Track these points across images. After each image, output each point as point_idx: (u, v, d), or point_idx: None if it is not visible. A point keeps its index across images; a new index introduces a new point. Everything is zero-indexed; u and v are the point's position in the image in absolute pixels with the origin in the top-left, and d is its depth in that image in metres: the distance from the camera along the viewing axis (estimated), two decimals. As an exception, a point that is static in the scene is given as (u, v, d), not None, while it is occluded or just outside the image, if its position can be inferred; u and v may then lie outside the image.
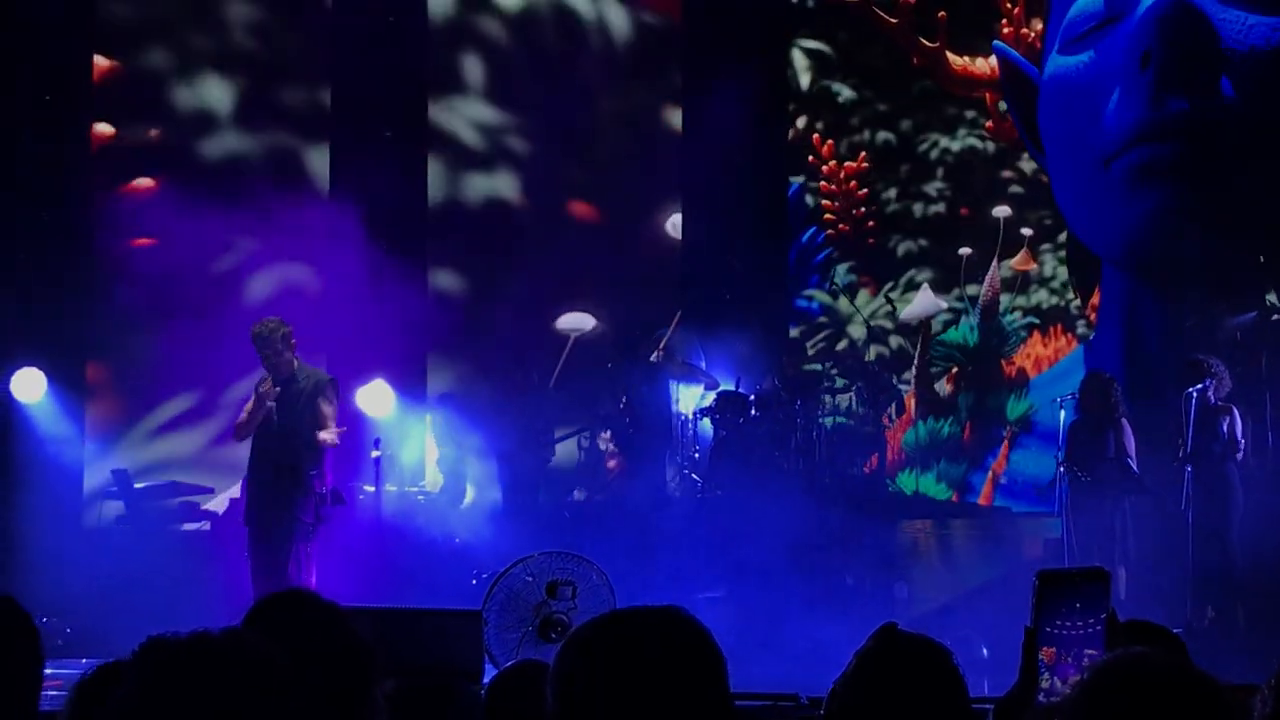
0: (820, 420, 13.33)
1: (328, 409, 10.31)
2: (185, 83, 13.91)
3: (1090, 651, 2.95)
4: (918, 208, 15.29)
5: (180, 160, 13.77)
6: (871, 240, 15.23)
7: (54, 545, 12.04)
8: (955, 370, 14.85)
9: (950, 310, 14.96)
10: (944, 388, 14.87)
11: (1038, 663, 3.00)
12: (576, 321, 14.66)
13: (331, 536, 10.58)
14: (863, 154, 15.41)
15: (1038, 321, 14.87)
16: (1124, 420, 11.70)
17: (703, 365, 13.90)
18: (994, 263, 14.87)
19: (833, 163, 15.43)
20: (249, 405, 10.36)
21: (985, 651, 9.91)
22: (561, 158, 14.91)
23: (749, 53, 15.01)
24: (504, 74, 14.84)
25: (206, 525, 12.81)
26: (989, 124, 15.19)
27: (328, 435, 10.22)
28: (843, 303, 15.03)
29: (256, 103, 14.06)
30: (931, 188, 15.27)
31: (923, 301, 14.89)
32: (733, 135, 14.33)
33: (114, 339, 13.55)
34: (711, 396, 13.33)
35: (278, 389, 10.14)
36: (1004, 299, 14.83)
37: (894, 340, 15.15)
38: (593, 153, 15.00)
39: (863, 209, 15.31)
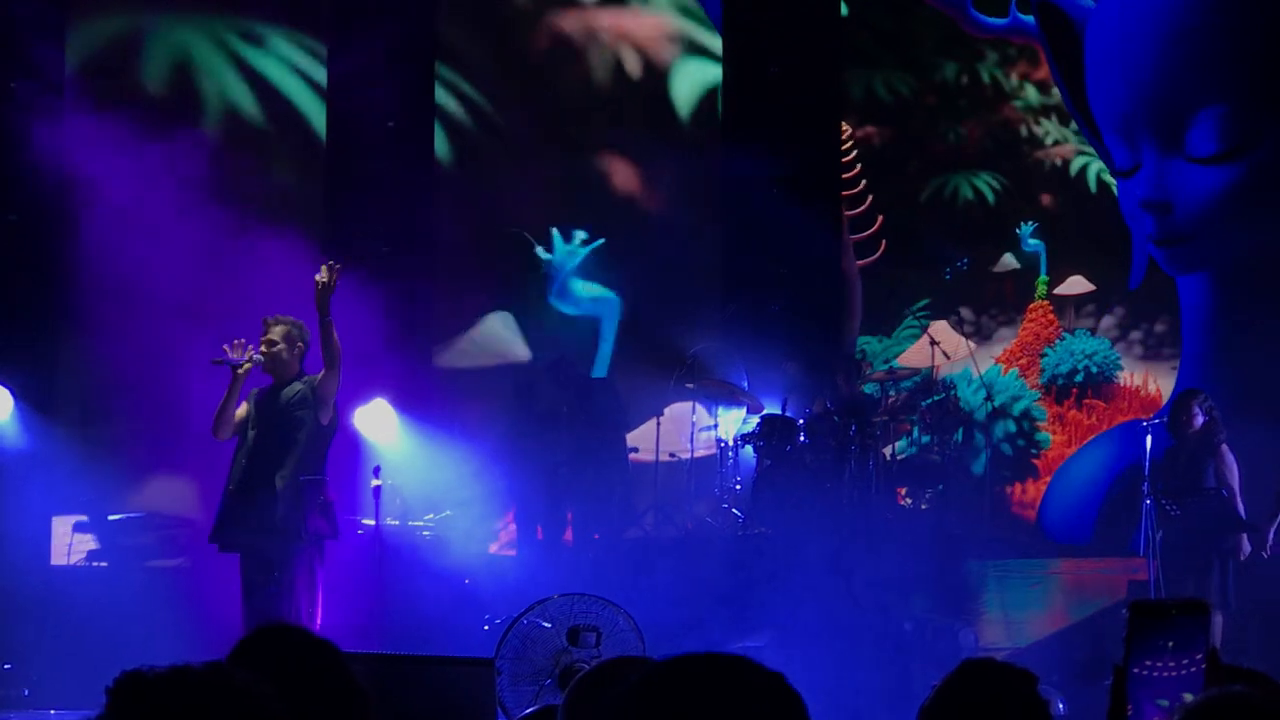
0: (877, 446, 13.19)
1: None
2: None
3: (1186, 695, 2.81)
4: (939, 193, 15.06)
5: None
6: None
7: (16, 584, 11.97)
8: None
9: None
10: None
11: (1127, 706, 2.90)
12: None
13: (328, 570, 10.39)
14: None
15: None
16: (1224, 447, 11.43)
17: (745, 385, 13.78)
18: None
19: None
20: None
21: (1061, 706, 9.81)
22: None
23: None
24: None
25: (188, 561, 12.65)
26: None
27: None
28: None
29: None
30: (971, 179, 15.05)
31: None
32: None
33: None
34: (755, 421, 13.22)
35: (257, 358, 9.68)
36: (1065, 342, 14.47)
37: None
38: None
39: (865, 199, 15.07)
